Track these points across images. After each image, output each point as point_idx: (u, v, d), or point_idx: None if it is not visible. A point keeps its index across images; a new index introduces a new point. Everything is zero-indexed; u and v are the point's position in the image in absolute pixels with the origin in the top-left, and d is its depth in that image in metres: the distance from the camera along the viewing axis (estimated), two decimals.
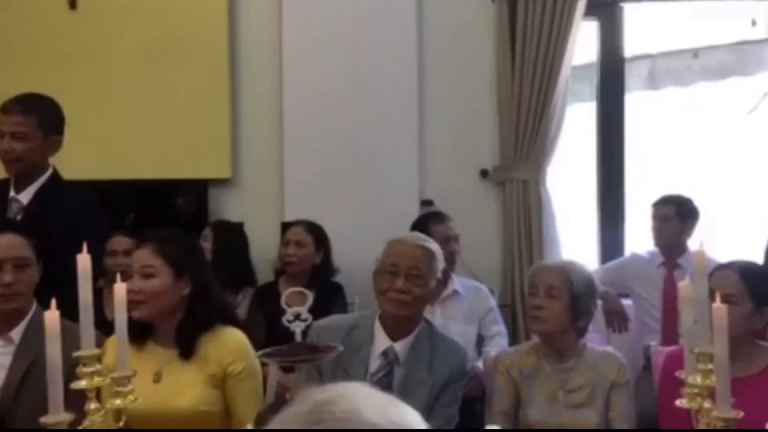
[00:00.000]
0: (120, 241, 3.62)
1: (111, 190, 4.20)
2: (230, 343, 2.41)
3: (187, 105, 4.28)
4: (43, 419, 1.48)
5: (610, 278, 3.98)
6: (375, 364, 2.52)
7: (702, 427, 1.70)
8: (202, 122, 4.29)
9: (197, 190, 4.37)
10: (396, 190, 4.27)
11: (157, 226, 4.07)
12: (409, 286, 2.49)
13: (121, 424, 1.73)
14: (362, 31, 4.28)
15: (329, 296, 3.81)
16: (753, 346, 2.53)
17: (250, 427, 1.94)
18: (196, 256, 2.54)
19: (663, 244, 3.97)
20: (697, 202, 3.98)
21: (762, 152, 4.69)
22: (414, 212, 4.15)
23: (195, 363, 2.38)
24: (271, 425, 0.96)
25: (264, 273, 4.12)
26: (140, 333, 2.38)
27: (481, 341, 3.62)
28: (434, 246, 2.59)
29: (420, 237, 2.65)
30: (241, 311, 3.86)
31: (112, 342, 2.14)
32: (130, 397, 1.72)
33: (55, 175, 3.11)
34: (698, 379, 1.73)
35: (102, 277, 3.47)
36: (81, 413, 1.61)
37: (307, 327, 1.99)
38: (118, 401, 1.70)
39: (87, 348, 1.58)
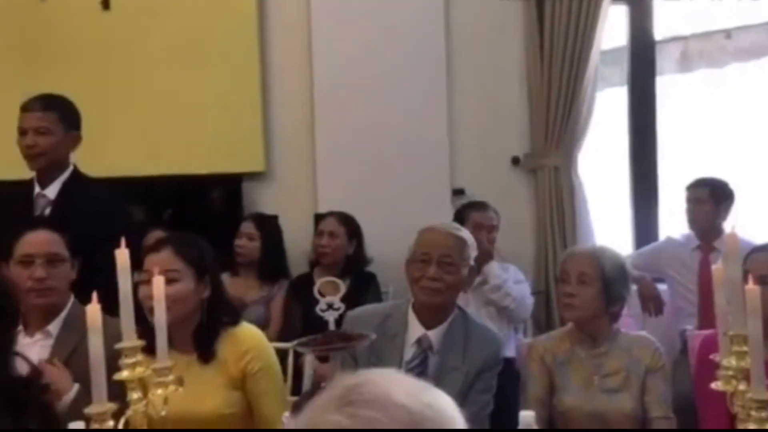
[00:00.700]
0: (157, 236, 3.68)
1: (148, 185, 4.29)
2: (246, 342, 2.38)
3: (220, 101, 4.33)
4: (87, 409, 1.52)
5: (644, 263, 3.96)
6: (409, 352, 2.54)
7: (737, 410, 1.70)
8: (235, 117, 4.33)
9: (231, 184, 4.42)
10: (427, 180, 4.28)
11: (193, 220, 4.17)
12: (441, 273, 2.50)
13: (163, 413, 1.77)
14: (391, 22, 4.29)
15: (363, 286, 3.85)
16: None
17: (284, 421, 1.96)
18: (212, 258, 2.50)
19: (697, 228, 3.94)
20: (732, 185, 3.94)
21: None
22: (446, 201, 4.17)
23: (214, 366, 2.35)
24: (304, 411, 0.99)
25: (297, 265, 4.16)
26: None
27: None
28: (466, 234, 2.60)
29: (451, 225, 2.67)
30: (277, 303, 3.91)
31: None
32: (172, 387, 1.76)
33: (77, 171, 3.20)
34: (732, 362, 1.72)
35: (138, 271, 3.53)
36: (121, 404, 1.64)
37: (341, 316, 2.02)
38: (159, 391, 1.74)
39: (128, 340, 1.62)
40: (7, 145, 3.19)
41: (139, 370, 1.63)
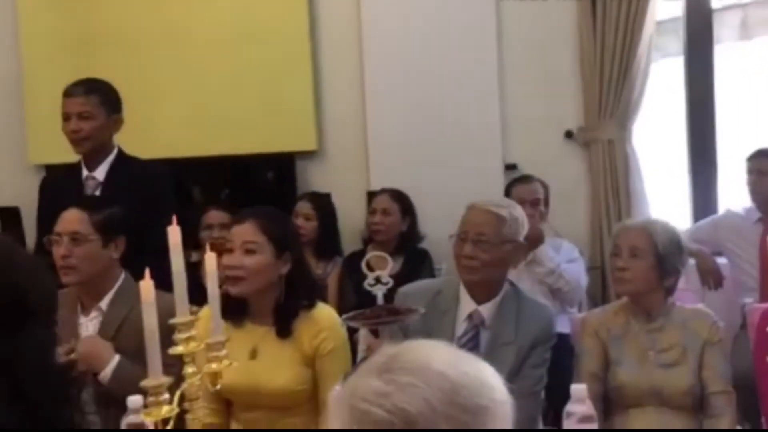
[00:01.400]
0: (216, 215, 3.76)
1: (205, 165, 4.37)
2: (322, 322, 2.42)
3: (272, 81, 4.37)
4: (143, 383, 1.56)
5: (703, 236, 3.89)
6: (461, 327, 2.56)
7: None
8: (287, 97, 4.37)
9: (285, 164, 4.47)
10: (480, 155, 4.26)
11: (249, 199, 4.23)
12: (477, 251, 2.49)
13: (218, 387, 1.81)
14: None
15: (416, 263, 3.86)
16: None
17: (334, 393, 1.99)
18: (294, 235, 2.56)
19: (759, 200, 3.85)
20: None
21: None
22: (498, 176, 4.14)
23: (289, 342, 2.39)
24: (348, 378, 1.01)
25: (351, 242, 4.19)
26: (237, 311, 2.39)
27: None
28: (507, 211, 2.55)
29: (492, 202, 2.60)
30: (332, 280, 3.95)
31: (204, 314, 2.16)
32: (226, 362, 1.79)
33: (122, 152, 3.27)
34: None
35: (196, 250, 3.60)
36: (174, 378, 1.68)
37: (389, 290, 2.03)
38: (214, 365, 1.78)
39: (181, 315, 1.66)
40: (59, 129, 3.25)
41: (193, 345, 1.67)
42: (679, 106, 4.44)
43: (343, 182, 4.38)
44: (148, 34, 4.41)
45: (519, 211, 2.61)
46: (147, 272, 1.52)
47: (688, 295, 3.34)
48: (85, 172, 3.23)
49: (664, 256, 2.55)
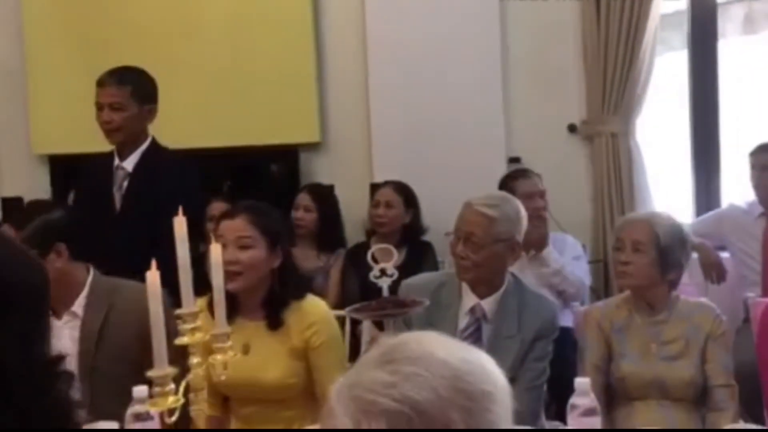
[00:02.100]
0: (219, 207, 3.75)
1: (208, 157, 4.36)
2: (312, 314, 2.42)
3: (275, 73, 4.36)
4: (149, 373, 1.57)
5: (706, 230, 3.89)
6: (463, 321, 2.56)
7: None
8: (290, 89, 4.36)
9: (289, 156, 4.47)
10: (483, 148, 4.25)
11: (252, 191, 4.23)
12: (467, 251, 2.50)
13: (223, 377, 1.82)
14: None
15: (419, 255, 3.86)
16: None
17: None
18: (286, 228, 2.57)
19: (763, 195, 3.84)
20: None
21: None
22: (501, 169, 4.13)
23: (280, 334, 2.40)
24: (350, 370, 1.02)
25: (354, 234, 4.19)
26: (227, 306, 2.41)
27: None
28: (499, 210, 2.53)
29: (486, 200, 2.57)
30: (335, 272, 3.96)
31: (199, 305, 2.13)
32: (231, 353, 1.80)
33: (155, 143, 3.26)
34: None
35: (203, 241, 3.60)
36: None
37: (394, 282, 2.04)
38: (219, 356, 1.78)
39: (187, 306, 1.67)
40: (91, 118, 3.24)
41: (199, 336, 1.68)
42: (682, 100, 4.43)
43: (347, 174, 4.37)
44: (151, 26, 4.40)
45: (514, 207, 2.59)
46: (153, 263, 1.53)
47: (691, 289, 3.35)
48: (116, 162, 3.22)
49: (667, 250, 2.55)
